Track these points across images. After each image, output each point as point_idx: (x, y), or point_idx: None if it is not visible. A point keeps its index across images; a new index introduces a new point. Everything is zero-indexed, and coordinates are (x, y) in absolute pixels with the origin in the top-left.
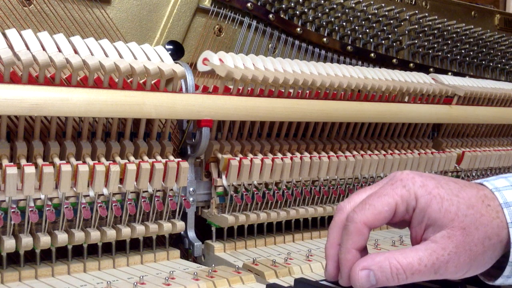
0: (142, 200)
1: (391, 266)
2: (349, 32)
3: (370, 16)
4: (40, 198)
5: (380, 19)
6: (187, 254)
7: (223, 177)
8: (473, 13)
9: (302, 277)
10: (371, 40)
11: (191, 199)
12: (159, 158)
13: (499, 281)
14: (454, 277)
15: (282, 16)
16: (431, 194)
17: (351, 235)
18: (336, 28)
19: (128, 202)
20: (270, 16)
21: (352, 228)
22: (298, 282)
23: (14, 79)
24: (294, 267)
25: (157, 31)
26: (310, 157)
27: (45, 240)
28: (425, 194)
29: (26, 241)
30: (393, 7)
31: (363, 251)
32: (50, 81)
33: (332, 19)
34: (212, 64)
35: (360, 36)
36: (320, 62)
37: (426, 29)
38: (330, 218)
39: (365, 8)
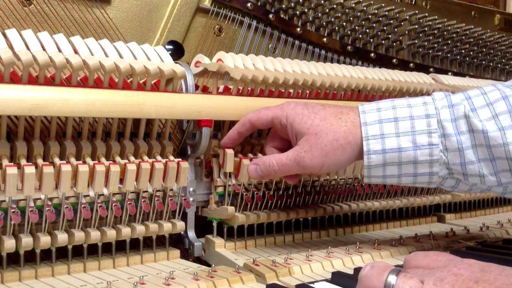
0: (142, 200)
1: (269, 161)
2: (349, 32)
3: (370, 16)
4: (40, 198)
5: (380, 19)
6: (187, 254)
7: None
8: (473, 13)
9: (303, 282)
10: (371, 40)
11: (191, 199)
12: (159, 158)
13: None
14: (314, 170)
15: (282, 16)
16: (296, 113)
17: (239, 123)
18: (336, 28)
19: (128, 202)
20: (270, 16)
21: (242, 119)
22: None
23: (14, 79)
24: (294, 267)
25: (157, 31)
26: None
27: (45, 240)
28: (293, 113)
29: (26, 241)
30: (393, 7)
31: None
32: (50, 81)
33: (332, 19)
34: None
35: (360, 36)
36: (320, 62)
37: (426, 29)
38: (330, 218)
39: (365, 8)
